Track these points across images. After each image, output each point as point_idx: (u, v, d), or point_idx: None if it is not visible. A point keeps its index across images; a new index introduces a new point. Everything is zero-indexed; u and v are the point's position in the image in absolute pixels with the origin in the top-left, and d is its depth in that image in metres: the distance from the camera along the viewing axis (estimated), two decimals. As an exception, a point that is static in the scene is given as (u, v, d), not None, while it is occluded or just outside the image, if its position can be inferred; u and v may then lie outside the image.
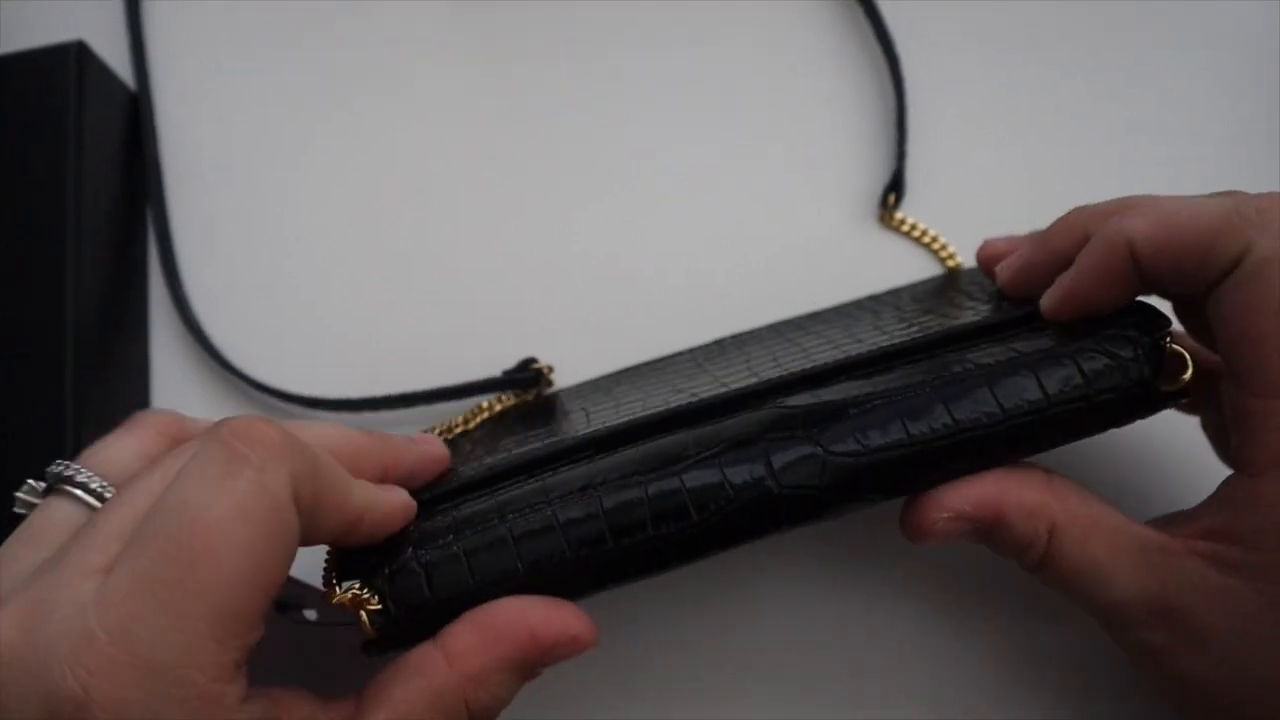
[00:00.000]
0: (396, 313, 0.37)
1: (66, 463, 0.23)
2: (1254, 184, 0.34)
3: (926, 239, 0.37)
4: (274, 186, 0.39)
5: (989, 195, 0.37)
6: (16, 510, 0.23)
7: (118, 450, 0.23)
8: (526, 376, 0.35)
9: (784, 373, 0.26)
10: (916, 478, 0.24)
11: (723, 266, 0.37)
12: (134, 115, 0.39)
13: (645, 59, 0.40)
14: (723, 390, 0.26)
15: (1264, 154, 0.37)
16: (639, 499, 0.23)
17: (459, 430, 0.34)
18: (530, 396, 0.35)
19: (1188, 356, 0.24)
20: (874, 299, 0.34)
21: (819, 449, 0.23)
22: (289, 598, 0.25)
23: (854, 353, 0.26)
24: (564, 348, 0.36)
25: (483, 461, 0.27)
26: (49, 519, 0.22)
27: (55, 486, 0.22)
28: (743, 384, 0.26)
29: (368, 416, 0.36)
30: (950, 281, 0.34)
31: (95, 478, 0.22)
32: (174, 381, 0.37)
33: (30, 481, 0.23)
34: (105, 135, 0.37)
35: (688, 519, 0.23)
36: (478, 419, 0.34)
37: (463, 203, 0.38)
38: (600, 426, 0.26)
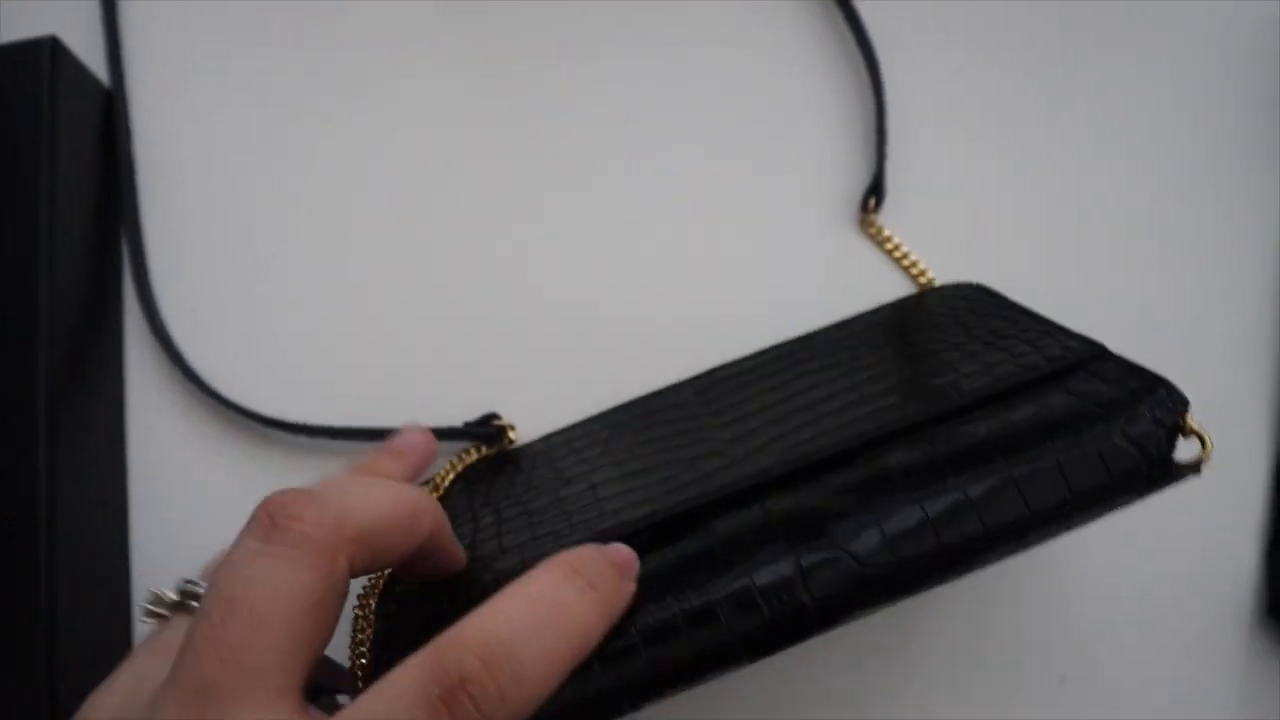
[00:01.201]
0: (373, 332, 0.37)
1: (196, 580, 0.24)
2: (1240, 187, 0.35)
3: (898, 254, 0.37)
4: (250, 191, 0.39)
5: (970, 198, 0.38)
6: (142, 620, 0.24)
7: None
8: (488, 431, 0.34)
9: (791, 446, 0.26)
10: (942, 577, 0.24)
11: (703, 280, 0.37)
12: (108, 112, 0.39)
13: (622, 63, 0.40)
14: (733, 476, 0.26)
15: (1242, 168, 0.37)
16: (673, 617, 0.23)
17: (437, 495, 0.33)
18: (492, 451, 0.34)
19: (1207, 436, 0.24)
20: (864, 324, 0.34)
21: (846, 555, 0.23)
22: (323, 680, 0.25)
23: (862, 423, 0.26)
24: (546, 368, 0.36)
25: (507, 548, 0.27)
26: (175, 633, 0.23)
27: (184, 603, 0.24)
28: (752, 465, 0.26)
29: (337, 443, 0.35)
30: (925, 303, 0.34)
31: None
32: (149, 394, 0.37)
33: (156, 591, 0.24)
34: (79, 131, 0.36)
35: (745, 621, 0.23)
36: (446, 480, 0.33)
37: (445, 218, 0.38)
38: (618, 520, 0.26)
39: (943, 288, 0.35)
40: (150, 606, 0.24)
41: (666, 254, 0.37)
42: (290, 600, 0.20)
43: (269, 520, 0.20)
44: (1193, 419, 0.24)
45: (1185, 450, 0.24)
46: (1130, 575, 0.34)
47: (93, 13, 0.40)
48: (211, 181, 0.39)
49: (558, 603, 0.21)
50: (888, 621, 0.33)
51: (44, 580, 0.30)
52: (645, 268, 0.37)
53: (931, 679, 0.32)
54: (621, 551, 0.24)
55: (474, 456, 0.34)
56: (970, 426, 0.25)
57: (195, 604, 0.23)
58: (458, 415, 0.35)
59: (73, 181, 0.35)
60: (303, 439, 0.35)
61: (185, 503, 0.35)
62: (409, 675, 0.19)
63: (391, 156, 0.39)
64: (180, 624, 0.23)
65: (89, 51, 0.38)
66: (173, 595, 0.24)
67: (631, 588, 0.23)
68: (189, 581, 0.23)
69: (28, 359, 0.32)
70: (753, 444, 0.27)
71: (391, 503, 0.22)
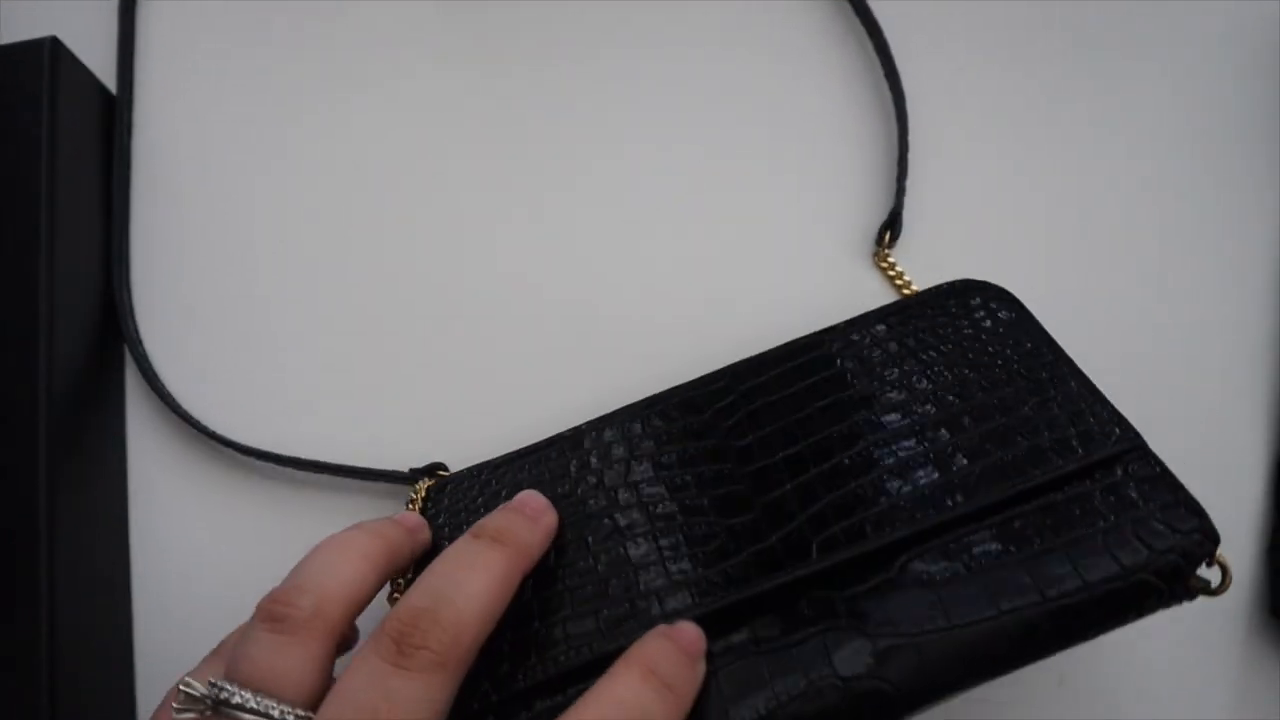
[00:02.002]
0: (373, 334, 0.37)
1: (224, 684, 0.24)
2: (1240, 187, 0.35)
3: (908, 291, 0.36)
4: (248, 191, 0.39)
5: (988, 235, 0.37)
6: (176, 713, 0.25)
7: None
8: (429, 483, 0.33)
9: (828, 531, 0.27)
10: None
11: (708, 302, 0.37)
12: (108, 112, 0.39)
13: (624, 63, 0.40)
14: (774, 568, 0.27)
15: (1242, 168, 0.38)
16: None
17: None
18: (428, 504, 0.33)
19: (1229, 568, 0.25)
20: (856, 350, 0.32)
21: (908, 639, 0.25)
22: None
23: (897, 514, 0.27)
24: (552, 370, 0.36)
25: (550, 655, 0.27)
26: None
27: (224, 703, 0.24)
28: (788, 550, 0.27)
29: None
30: (958, 325, 0.32)
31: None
32: (149, 398, 0.37)
33: (189, 690, 0.24)
34: (79, 131, 0.36)
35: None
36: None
37: (447, 220, 0.38)
38: (664, 610, 0.27)
39: (974, 295, 0.32)
40: (185, 706, 0.24)
41: (668, 260, 0.37)
42: (425, 716, 0.23)
43: (395, 645, 0.24)
44: (1221, 554, 0.25)
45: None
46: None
47: (93, 13, 0.40)
48: (210, 181, 0.39)
49: (640, 707, 0.24)
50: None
51: (44, 591, 0.30)
52: (647, 272, 0.37)
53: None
54: (690, 636, 0.25)
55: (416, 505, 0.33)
56: (995, 531, 0.26)
57: (242, 714, 0.24)
58: (461, 429, 0.35)
59: (73, 181, 0.35)
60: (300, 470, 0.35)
61: (183, 519, 0.35)
62: None
63: (391, 158, 0.39)
64: None
65: (89, 52, 0.38)
66: (201, 689, 0.24)
67: (702, 671, 0.25)
68: (215, 685, 0.24)
69: (28, 359, 0.32)
70: (779, 503, 0.28)
71: (494, 598, 0.25)
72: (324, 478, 0.35)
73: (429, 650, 0.23)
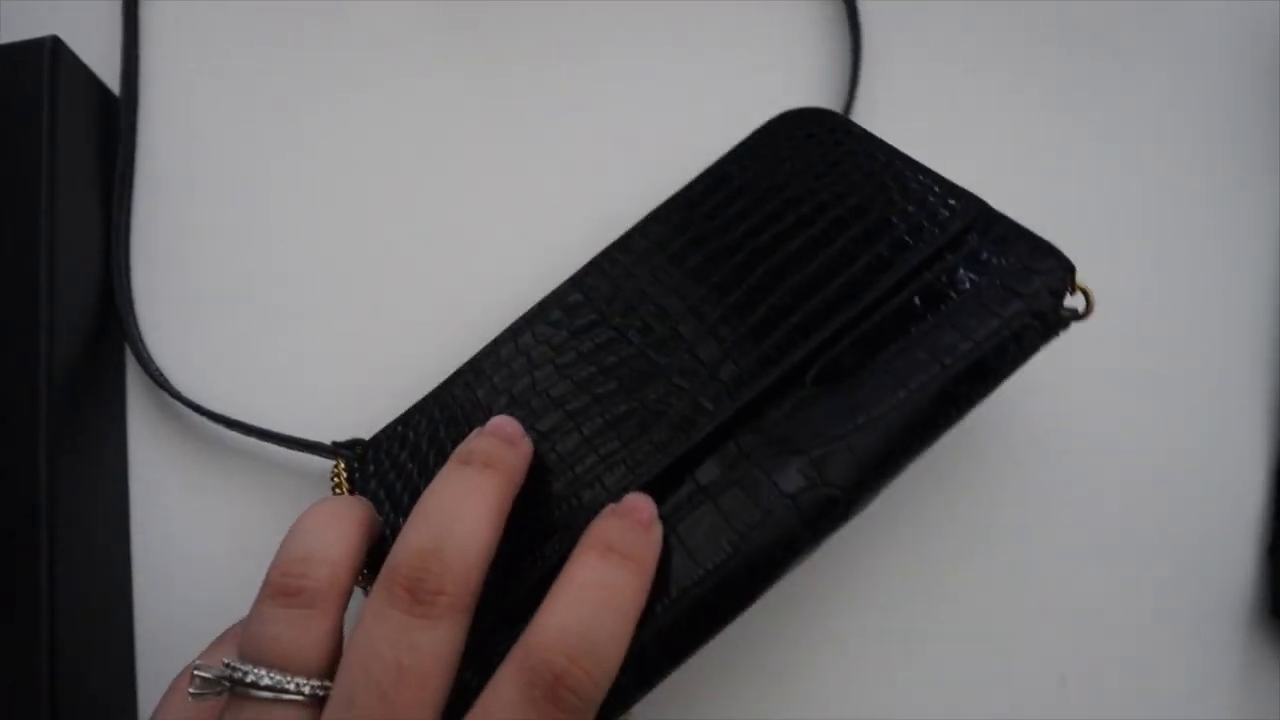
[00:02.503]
0: (374, 333, 0.37)
1: (238, 664, 0.24)
2: (1240, 188, 0.35)
3: None
4: (248, 189, 0.39)
5: None
6: (192, 694, 0.24)
7: None
8: (349, 455, 0.33)
9: (742, 363, 0.28)
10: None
11: None
12: (108, 112, 0.39)
13: (623, 63, 0.40)
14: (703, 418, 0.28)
15: (1243, 168, 0.38)
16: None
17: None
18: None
19: (1092, 293, 0.28)
20: (714, 200, 0.34)
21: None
22: None
23: (802, 318, 0.29)
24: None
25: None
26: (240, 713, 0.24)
27: (241, 683, 0.24)
28: (715, 393, 0.28)
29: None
30: (778, 146, 0.35)
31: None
32: (149, 395, 0.37)
33: (203, 674, 0.24)
34: (79, 131, 0.36)
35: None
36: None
37: (447, 219, 0.38)
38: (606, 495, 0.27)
39: (806, 121, 0.35)
40: (202, 690, 0.24)
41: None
42: (448, 660, 0.23)
43: (409, 595, 0.23)
44: (1080, 280, 0.28)
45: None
46: (1130, 575, 0.34)
47: (94, 13, 0.40)
48: (210, 179, 0.39)
49: (605, 585, 0.24)
50: (888, 623, 0.33)
51: (44, 581, 0.30)
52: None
53: (932, 678, 0.32)
54: (637, 504, 0.26)
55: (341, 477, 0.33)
56: (888, 310, 0.28)
57: (258, 691, 0.23)
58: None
59: (73, 181, 0.35)
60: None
61: (185, 507, 0.35)
62: (508, 685, 0.23)
63: (390, 156, 0.39)
64: (247, 707, 0.23)
65: (90, 52, 0.38)
66: (216, 672, 0.24)
67: (659, 534, 0.25)
68: (231, 665, 0.24)
69: (28, 358, 0.32)
70: (685, 365, 0.29)
71: (493, 527, 0.25)
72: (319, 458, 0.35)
73: (445, 595, 0.23)
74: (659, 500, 0.26)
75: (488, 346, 0.33)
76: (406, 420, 0.33)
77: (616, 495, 0.27)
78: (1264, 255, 0.37)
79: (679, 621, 0.25)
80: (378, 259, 0.38)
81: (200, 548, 0.35)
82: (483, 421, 0.29)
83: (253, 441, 0.35)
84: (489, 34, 0.40)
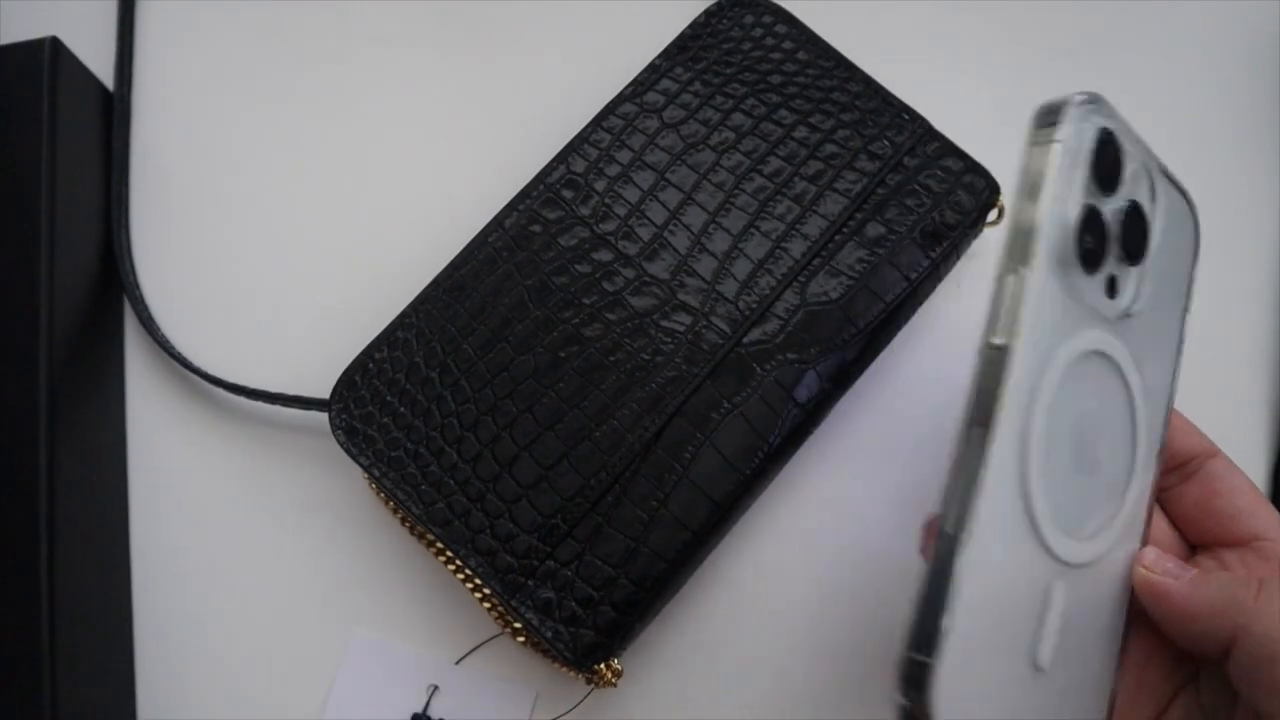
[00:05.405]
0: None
1: None
2: (1239, 187, 0.35)
3: None
4: (245, 185, 0.39)
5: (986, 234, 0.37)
6: None
7: None
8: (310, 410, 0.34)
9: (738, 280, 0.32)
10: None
11: None
12: (108, 112, 0.39)
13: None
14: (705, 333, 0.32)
15: (1242, 168, 0.38)
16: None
17: None
18: None
19: (1005, 207, 0.33)
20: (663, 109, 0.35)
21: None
22: None
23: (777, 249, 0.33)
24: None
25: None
26: None
27: None
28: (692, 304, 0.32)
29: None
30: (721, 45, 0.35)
31: None
32: (148, 388, 0.37)
33: None
34: (79, 131, 0.36)
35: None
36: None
37: (442, 213, 0.38)
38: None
39: (744, 12, 0.36)
40: None
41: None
42: None
43: None
44: (1002, 199, 0.33)
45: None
46: (1130, 575, 0.34)
47: (93, 13, 0.40)
48: (209, 178, 0.39)
49: None
50: (888, 623, 0.33)
51: (44, 574, 0.30)
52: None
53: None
54: None
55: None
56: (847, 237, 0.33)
57: None
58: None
59: (73, 181, 0.35)
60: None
61: (184, 489, 0.36)
62: None
63: (389, 155, 0.39)
64: None
65: (89, 52, 0.38)
66: None
67: None
68: None
69: (29, 358, 0.32)
70: (687, 300, 0.32)
71: None
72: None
73: None
74: (691, 423, 0.31)
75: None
76: (381, 344, 0.33)
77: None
78: (1264, 255, 0.37)
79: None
80: (377, 245, 0.38)
81: (196, 497, 0.36)
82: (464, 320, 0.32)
83: (251, 404, 0.36)
84: (488, 32, 0.40)
